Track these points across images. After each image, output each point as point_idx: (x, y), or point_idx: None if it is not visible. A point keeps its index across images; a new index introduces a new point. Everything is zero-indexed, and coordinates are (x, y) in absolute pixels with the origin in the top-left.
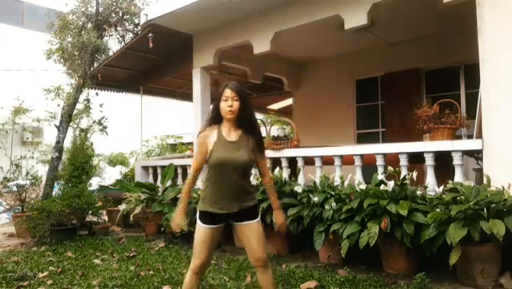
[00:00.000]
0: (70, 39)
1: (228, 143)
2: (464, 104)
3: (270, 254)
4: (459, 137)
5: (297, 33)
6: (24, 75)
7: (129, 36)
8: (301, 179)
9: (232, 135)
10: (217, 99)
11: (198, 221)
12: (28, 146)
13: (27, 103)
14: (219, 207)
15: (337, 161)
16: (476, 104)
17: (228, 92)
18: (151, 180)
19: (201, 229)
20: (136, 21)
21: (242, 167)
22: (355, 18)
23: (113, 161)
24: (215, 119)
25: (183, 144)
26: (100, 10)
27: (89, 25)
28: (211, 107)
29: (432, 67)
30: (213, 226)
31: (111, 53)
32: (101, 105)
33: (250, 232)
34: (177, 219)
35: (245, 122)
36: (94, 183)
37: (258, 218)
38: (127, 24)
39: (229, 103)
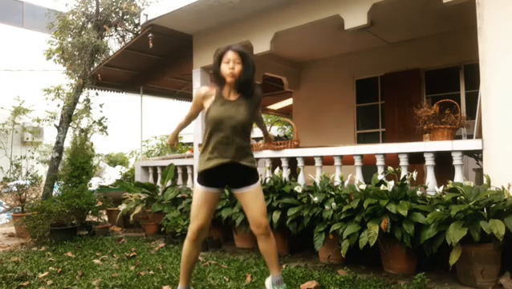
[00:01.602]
0: (70, 39)
1: (226, 101)
2: (464, 104)
3: None
4: (459, 137)
5: (297, 33)
6: (24, 75)
7: (129, 36)
8: (301, 179)
9: (231, 95)
10: (217, 61)
11: (196, 184)
12: (28, 146)
13: (27, 103)
14: (215, 158)
15: (337, 161)
16: (476, 104)
17: (230, 54)
18: (151, 180)
19: (199, 191)
20: (136, 21)
21: (240, 125)
22: (355, 18)
23: (113, 161)
24: (216, 82)
25: (183, 144)
26: (100, 10)
27: (89, 25)
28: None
29: (432, 67)
30: (211, 189)
31: (111, 53)
32: (101, 105)
33: (250, 198)
34: (170, 139)
35: (245, 86)
36: (94, 183)
37: (258, 183)
38: (127, 24)
39: (230, 66)
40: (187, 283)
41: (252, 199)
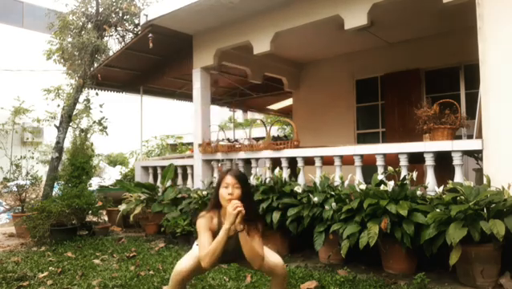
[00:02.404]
0: (70, 40)
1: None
2: (464, 104)
3: None
4: (459, 137)
5: (297, 33)
6: (24, 75)
7: (129, 36)
8: (301, 179)
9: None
10: (218, 185)
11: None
12: (28, 146)
13: (27, 103)
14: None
15: (337, 161)
16: (476, 104)
17: (229, 179)
18: (151, 180)
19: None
20: (136, 21)
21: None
22: (355, 18)
23: (113, 161)
24: (215, 205)
25: (183, 144)
26: (100, 10)
27: (89, 25)
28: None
29: (432, 67)
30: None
31: (111, 53)
32: (101, 105)
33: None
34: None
35: (246, 209)
36: (94, 183)
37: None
38: (127, 24)
39: (229, 191)
40: None
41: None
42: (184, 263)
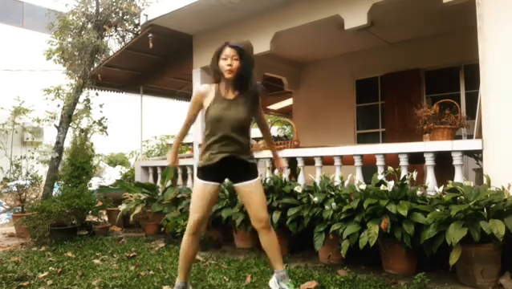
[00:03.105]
0: (70, 40)
1: (225, 100)
2: (464, 104)
3: None
4: (459, 137)
5: (297, 33)
6: (24, 75)
7: (129, 36)
8: (301, 179)
9: (230, 93)
10: (217, 56)
11: (196, 178)
12: (28, 146)
13: (27, 103)
14: (215, 154)
15: (337, 161)
16: (476, 104)
17: (228, 51)
18: (151, 180)
19: (199, 185)
20: (136, 21)
21: (240, 123)
22: (355, 18)
23: (113, 161)
24: (215, 74)
25: (183, 144)
26: (100, 10)
27: (89, 25)
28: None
29: (432, 67)
30: (211, 183)
31: (111, 53)
32: (101, 105)
33: (251, 192)
34: (169, 157)
35: (244, 83)
36: (94, 183)
37: (257, 179)
38: (127, 24)
39: (228, 62)
40: (185, 278)
41: (252, 193)
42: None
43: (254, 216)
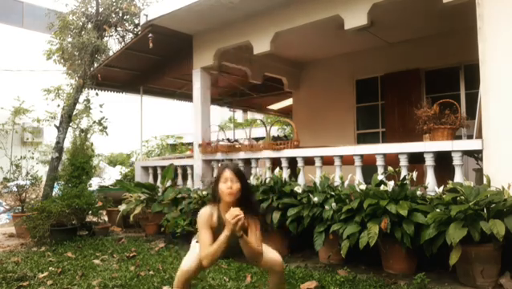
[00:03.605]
0: (70, 40)
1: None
2: (464, 104)
3: None
4: (459, 137)
5: (297, 33)
6: (24, 75)
7: (129, 36)
8: (301, 179)
9: None
10: (217, 180)
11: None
12: (28, 146)
13: (27, 103)
14: None
15: (337, 161)
16: (476, 104)
17: (227, 174)
18: (151, 180)
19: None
20: (136, 21)
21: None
22: (355, 18)
23: (113, 161)
24: (215, 200)
25: (183, 144)
26: (100, 10)
27: (89, 25)
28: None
29: (432, 67)
30: None
31: (111, 53)
32: (101, 105)
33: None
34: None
35: (244, 202)
36: (94, 183)
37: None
38: (127, 24)
39: (228, 185)
40: None
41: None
42: (190, 263)
43: None
